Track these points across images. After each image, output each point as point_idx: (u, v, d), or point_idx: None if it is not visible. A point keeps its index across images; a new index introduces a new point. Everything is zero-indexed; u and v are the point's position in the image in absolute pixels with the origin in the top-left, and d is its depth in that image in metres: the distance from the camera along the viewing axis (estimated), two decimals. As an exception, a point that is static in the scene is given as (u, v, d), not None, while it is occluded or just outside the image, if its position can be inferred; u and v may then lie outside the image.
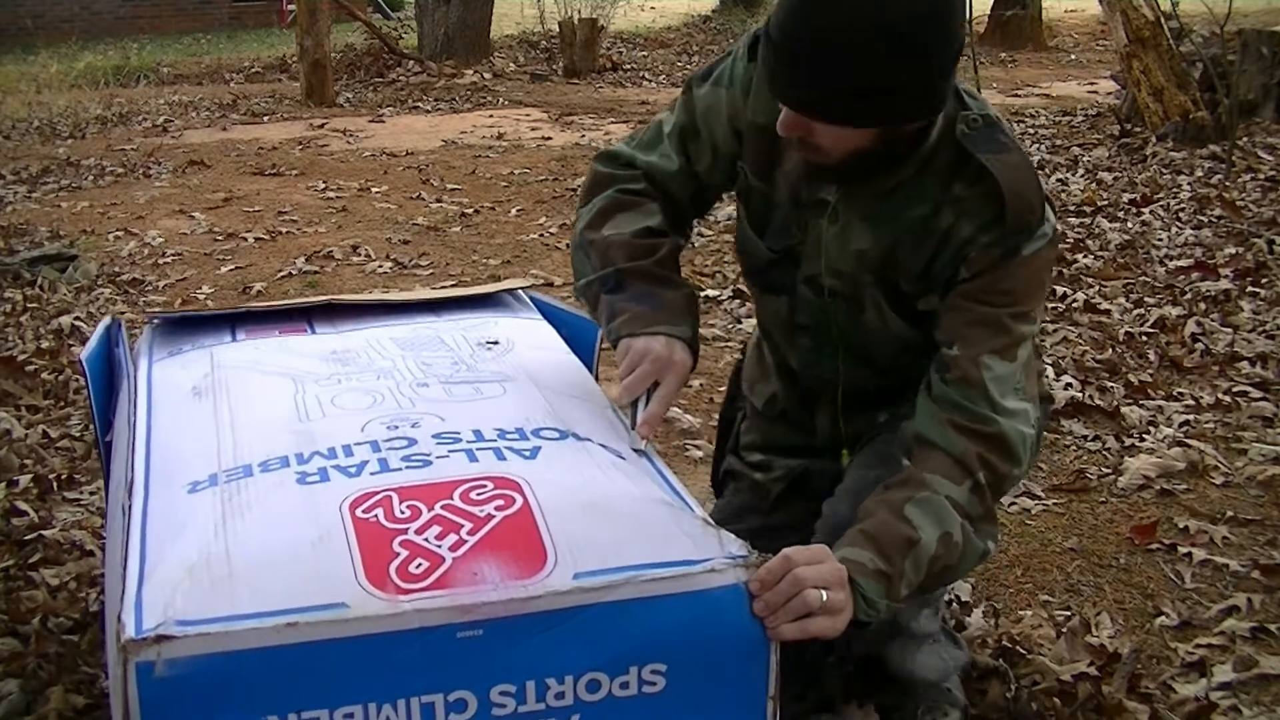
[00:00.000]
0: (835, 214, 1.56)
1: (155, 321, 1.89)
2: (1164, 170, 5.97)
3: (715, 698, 1.22)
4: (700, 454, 2.83)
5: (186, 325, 1.86)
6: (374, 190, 6.11)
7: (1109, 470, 2.72)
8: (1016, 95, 9.43)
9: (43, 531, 2.37)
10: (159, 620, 1.07)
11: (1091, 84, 9.91)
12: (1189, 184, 5.60)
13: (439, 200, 5.86)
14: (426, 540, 1.18)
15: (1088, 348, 3.49)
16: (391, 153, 7.16)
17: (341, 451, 1.35)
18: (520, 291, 2.04)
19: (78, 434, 2.91)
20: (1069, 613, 2.12)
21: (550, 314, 1.94)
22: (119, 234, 5.20)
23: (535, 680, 1.15)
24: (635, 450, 1.45)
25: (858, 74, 1.32)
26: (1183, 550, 2.34)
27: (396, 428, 1.41)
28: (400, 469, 1.30)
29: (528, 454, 1.34)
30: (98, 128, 8.21)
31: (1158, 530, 2.42)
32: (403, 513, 1.22)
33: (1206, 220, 4.93)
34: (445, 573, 1.14)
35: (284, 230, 5.28)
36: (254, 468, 1.33)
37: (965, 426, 1.45)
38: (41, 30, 13.81)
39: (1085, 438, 2.90)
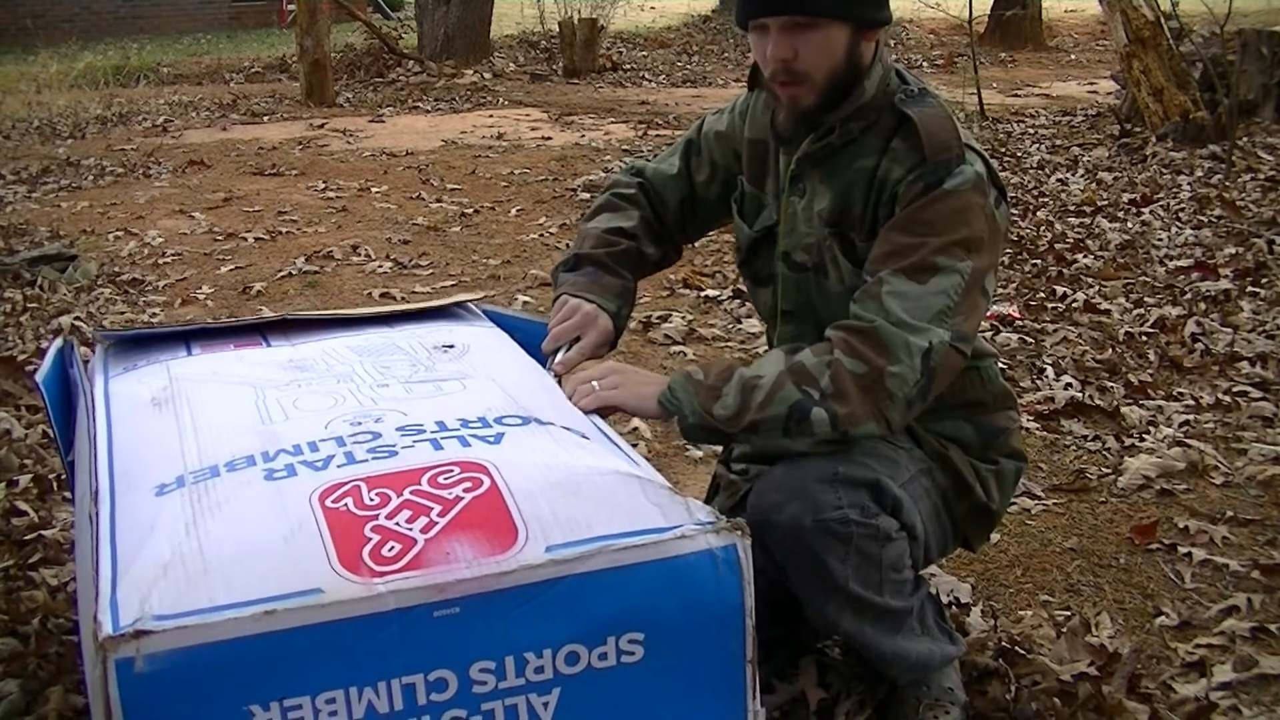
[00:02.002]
0: (800, 185, 1.73)
1: (108, 341, 1.89)
2: (1164, 170, 5.97)
3: (693, 664, 1.23)
4: (700, 454, 2.83)
5: (139, 343, 1.86)
6: (374, 190, 6.11)
7: (1109, 470, 2.72)
8: (1016, 95, 9.44)
9: (43, 531, 2.37)
10: (135, 616, 1.07)
11: (1091, 84, 9.91)
12: (1189, 184, 5.60)
13: (439, 200, 5.87)
14: (398, 524, 1.19)
15: (1088, 348, 3.49)
16: (391, 153, 7.16)
17: (307, 448, 1.35)
18: (471, 304, 2.08)
19: (78, 434, 2.92)
20: (1069, 613, 2.12)
21: (504, 323, 1.97)
22: (119, 234, 5.20)
23: (514, 655, 1.16)
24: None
25: None
26: (1183, 550, 2.34)
27: (360, 424, 1.42)
28: (367, 460, 1.31)
29: (492, 440, 1.35)
30: (98, 128, 8.22)
31: (1158, 530, 2.42)
32: (372, 500, 1.22)
33: (1206, 220, 4.93)
34: (418, 554, 1.15)
35: (284, 230, 5.28)
36: (220, 468, 1.33)
37: (842, 324, 1.56)
38: (41, 30, 13.81)
39: (1085, 438, 2.90)
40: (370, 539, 1.17)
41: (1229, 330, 3.57)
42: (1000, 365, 3.26)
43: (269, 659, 1.09)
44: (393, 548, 1.15)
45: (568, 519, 1.20)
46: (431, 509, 1.21)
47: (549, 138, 7.68)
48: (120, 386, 1.66)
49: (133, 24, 15.39)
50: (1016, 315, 3.78)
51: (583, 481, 1.26)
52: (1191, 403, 3.07)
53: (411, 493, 1.23)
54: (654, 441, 2.92)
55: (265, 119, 8.65)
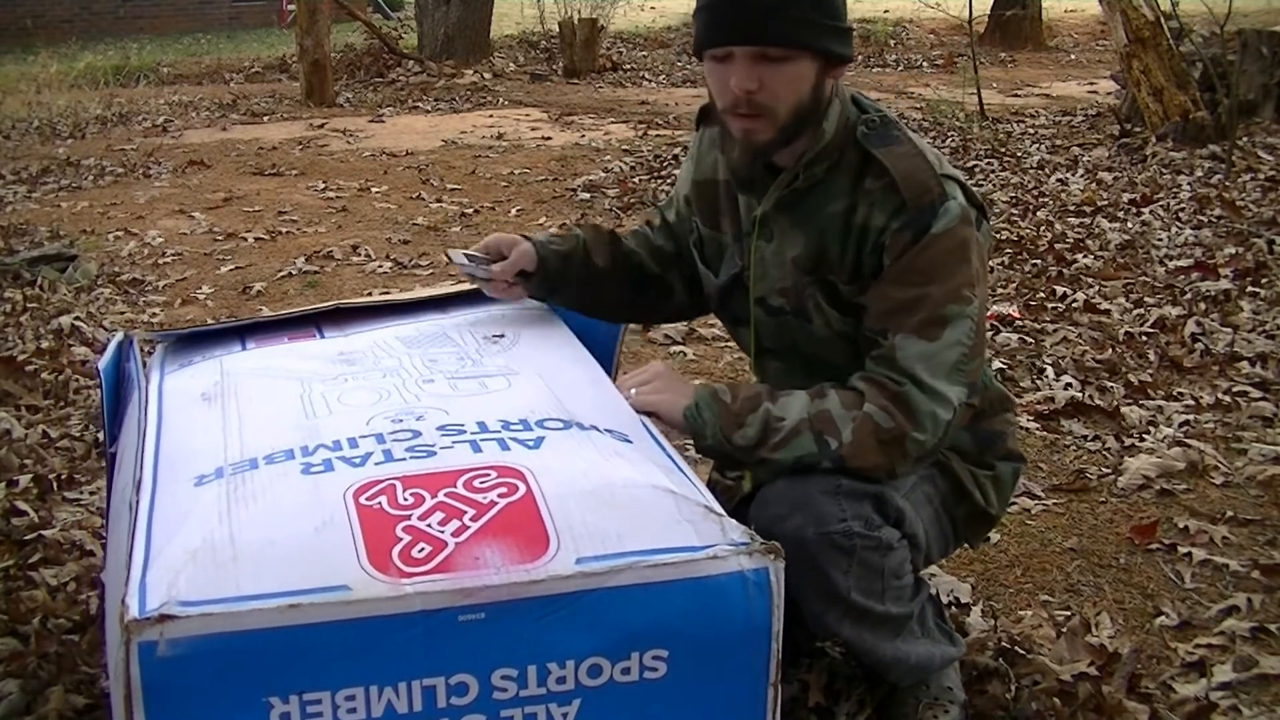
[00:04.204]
0: (768, 230, 1.70)
1: (168, 340, 1.90)
2: (1164, 170, 5.97)
3: (716, 684, 1.22)
4: (700, 455, 2.83)
5: (196, 340, 1.87)
6: (374, 190, 6.11)
7: (1109, 470, 2.72)
8: (1016, 95, 9.44)
9: (43, 531, 2.37)
10: (162, 601, 1.08)
11: (1091, 84, 9.91)
12: (1189, 184, 5.60)
13: (439, 200, 5.87)
14: (429, 526, 1.19)
15: (1088, 348, 3.49)
16: (391, 153, 7.16)
17: (346, 444, 1.36)
18: None
19: (78, 434, 2.91)
20: (1069, 613, 2.12)
21: (560, 309, 1.95)
22: (119, 234, 5.20)
23: (537, 664, 1.16)
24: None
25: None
26: (1183, 550, 2.34)
27: (401, 421, 1.42)
28: (404, 459, 1.31)
29: (531, 444, 1.35)
30: (98, 128, 8.21)
31: (1158, 530, 2.42)
32: (406, 500, 1.22)
33: (1206, 220, 4.93)
34: (448, 557, 1.15)
35: (284, 230, 5.28)
36: (259, 460, 1.33)
37: (872, 379, 1.56)
38: (41, 30, 13.81)
39: (1085, 438, 2.90)
40: (401, 539, 1.17)
41: (1229, 330, 3.57)
42: (1000, 365, 3.29)
43: (291, 652, 1.09)
44: (423, 549, 1.16)
45: (600, 531, 1.20)
46: (465, 512, 1.21)
47: (549, 138, 7.68)
48: (174, 382, 1.67)
49: (133, 24, 15.38)
50: (1016, 315, 3.78)
51: (618, 493, 1.25)
52: (1191, 403, 3.07)
53: (446, 495, 1.23)
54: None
55: (265, 119, 8.65)
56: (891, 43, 13.13)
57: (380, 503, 1.22)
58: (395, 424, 1.41)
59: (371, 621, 1.11)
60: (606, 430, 1.42)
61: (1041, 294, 4.02)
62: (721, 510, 1.27)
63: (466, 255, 1.86)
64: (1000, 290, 4.07)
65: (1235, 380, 3.21)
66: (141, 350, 1.85)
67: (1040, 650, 1.96)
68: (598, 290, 1.88)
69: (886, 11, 14.20)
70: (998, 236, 4.74)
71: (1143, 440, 2.85)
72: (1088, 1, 12.51)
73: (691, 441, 1.59)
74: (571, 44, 11.40)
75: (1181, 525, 2.44)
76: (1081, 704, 1.80)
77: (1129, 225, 4.91)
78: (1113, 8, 6.78)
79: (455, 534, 1.17)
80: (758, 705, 1.24)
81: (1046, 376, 3.27)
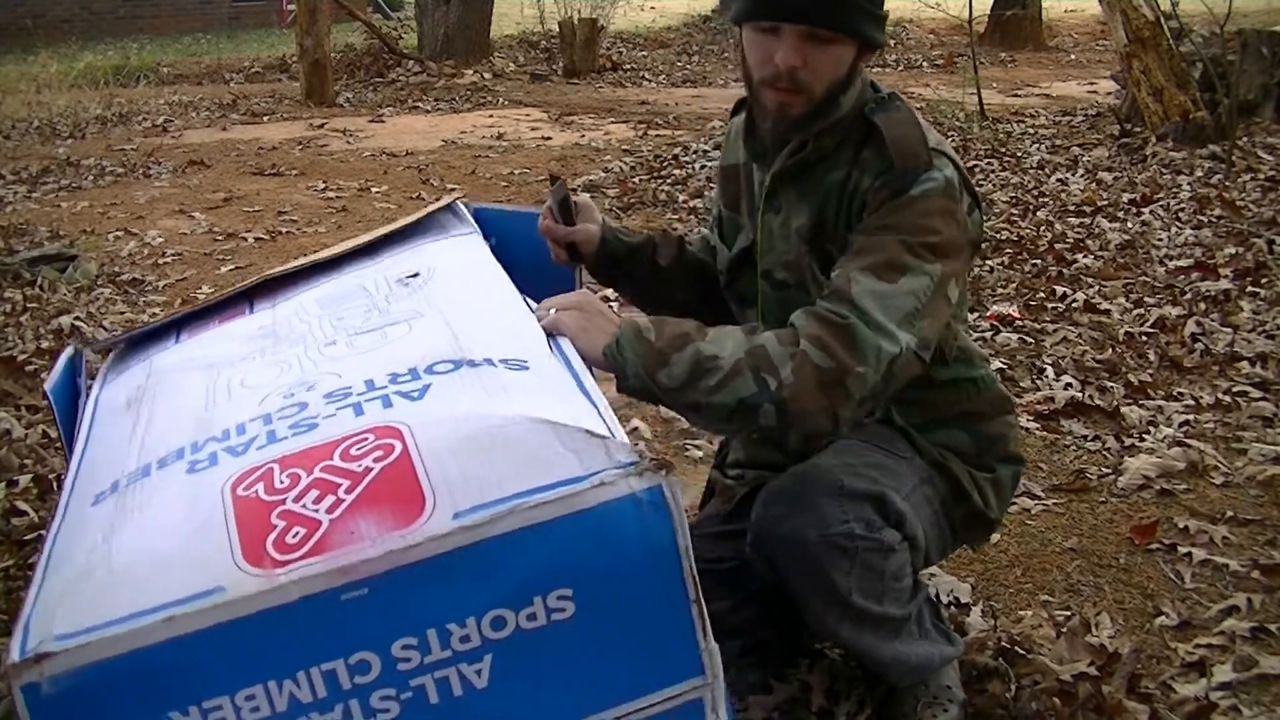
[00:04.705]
0: (776, 203, 1.72)
1: (119, 346, 1.84)
2: (1164, 170, 5.97)
3: (632, 613, 1.16)
4: (700, 454, 2.83)
5: (139, 342, 1.81)
6: (374, 190, 6.11)
7: (1109, 470, 2.72)
8: (1016, 95, 9.44)
9: (43, 532, 2.37)
10: (40, 639, 1.04)
11: (1091, 84, 9.91)
12: (1189, 184, 5.60)
13: (439, 200, 5.86)
14: (304, 507, 1.13)
15: (1088, 348, 3.49)
16: (391, 153, 7.16)
17: (234, 431, 1.30)
18: (459, 204, 1.97)
19: (78, 434, 2.92)
20: (1069, 613, 2.12)
21: (495, 220, 1.87)
22: (119, 234, 5.20)
23: (436, 628, 1.10)
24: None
25: None
26: (1183, 550, 2.34)
27: (292, 395, 1.35)
28: (286, 438, 1.25)
29: (416, 395, 1.27)
30: (98, 128, 8.21)
31: (1158, 530, 2.42)
32: (283, 483, 1.17)
33: (1206, 220, 4.93)
34: (322, 537, 1.10)
35: (284, 230, 5.28)
36: (152, 466, 1.29)
37: (815, 313, 1.50)
38: (41, 30, 13.81)
39: (1085, 438, 2.90)
40: (275, 526, 1.12)
41: (1229, 330, 3.57)
42: (1000, 365, 3.29)
43: (178, 665, 1.06)
44: (297, 533, 1.11)
45: (479, 479, 1.12)
46: (339, 485, 1.15)
47: (549, 138, 7.68)
48: (108, 393, 1.62)
49: (133, 24, 15.39)
50: (1016, 315, 3.78)
51: (497, 434, 1.16)
52: (1191, 403, 3.07)
53: (322, 469, 1.17)
54: (654, 441, 2.92)
55: (265, 119, 8.65)
56: (891, 43, 13.13)
57: (257, 491, 1.17)
58: (285, 399, 1.34)
59: (252, 619, 1.07)
60: (502, 361, 1.33)
61: (1041, 294, 4.02)
62: (610, 429, 1.17)
63: (561, 196, 1.82)
64: (1000, 290, 4.07)
65: (1235, 380, 3.21)
66: (89, 363, 1.80)
67: (1040, 650, 1.96)
68: (662, 289, 1.90)
69: (886, 11, 14.19)
70: (997, 236, 4.74)
71: (1143, 440, 2.85)
72: (1088, 1, 12.51)
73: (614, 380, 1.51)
74: (571, 44, 11.40)
75: (1181, 525, 2.44)
76: (1081, 704, 1.80)
77: (1129, 225, 4.91)
78: (1113, 8, 6.78)
79: (329, 510, 1.12)
80: (682, 626, 1.18)
81: (1046, 376, 3.27)
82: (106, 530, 1.18)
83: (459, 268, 1.70)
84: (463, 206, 1.97)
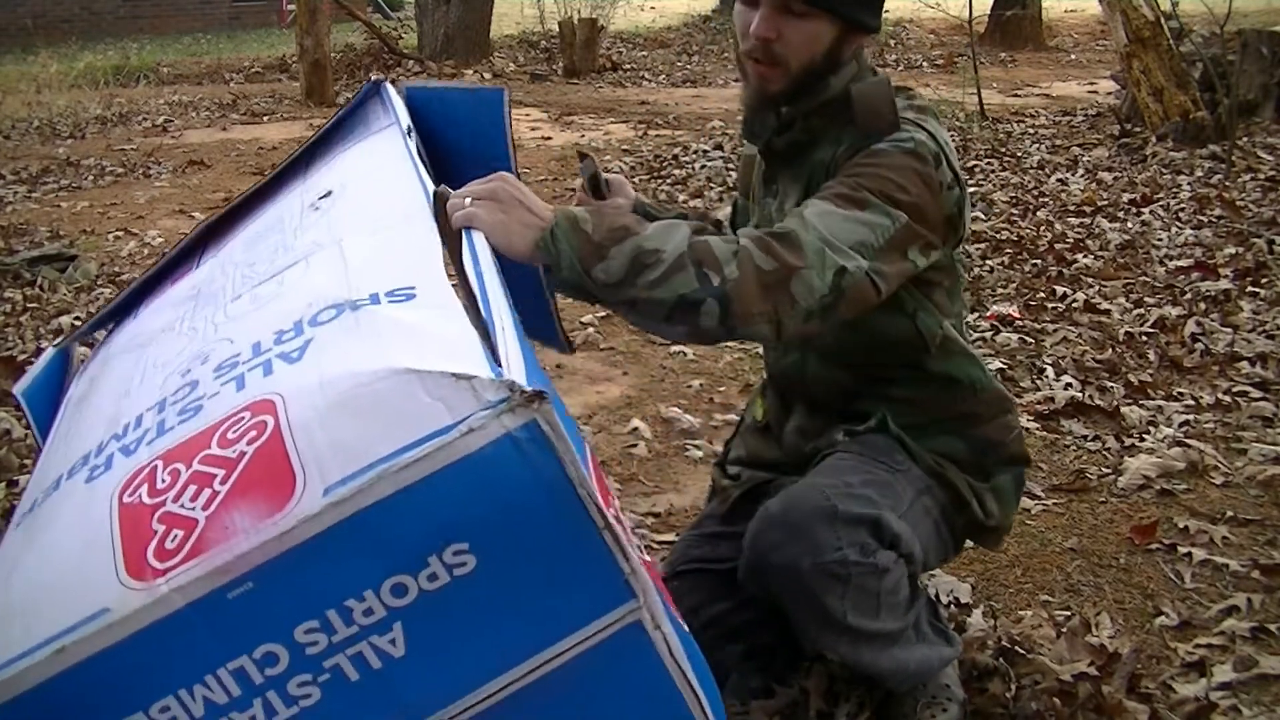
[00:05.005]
0: (774, 187, 1.74)
1: (104, 331, 1.75)
2: (1164, 170, 5.97)
3: (539, 554, 1.08)
4: (700, 454, 2.83)
5: (113, 322, 1.71)
6: (374, 190, 6.10)
7: (1109, 470, 2.72)
8: (1016, 95, 9.44)
9: (43, 531, 2.37)
10: None
11: (1091, 84, 9.91)
12: (1189, 184, 5.60)
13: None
14: (182, 506, 1.07)
15: (1088, 348, 3.49)
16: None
17: (132, 425, 1.23)
18: (387, 88, 1.86)
19: (78, 434, 2.92)
20: (1069, 613, 2.12)
21: (432, 102, 1.76)
22: (119, 234, 5.21)
23: (334, 608, 1.05)
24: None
25: None
26: (1183, 550, 2.34)
27: (188, 371, 1.28)
28: (173, 428, 1.18)
29: (295, 355, 1.19)
30: (98, 128, 8.22)
31: (1158, 530, 2.42)
32: (164, 482, 1.10)
33: (1206, 220, 4.93)
34: (199, 537, 1.04)
35: (284, 230, 5.27)
36: (62, 478, 1.23)
37: (757, 228, 1.49)
38: (41, 30, 13.81)
39: (1085, 438, 2.90)
40: (155, 532, 1.06)
41: (1229, 330, 3.57)
42: (1000, 365, 3.29)
43: (80, 693, 1.02)
44: (175, 537, 1.05)
45: (346, 448, 1.04)
46: (215, 477, 1.08)
47: (549, 137, 7.68)
48: (73, 389, 1.54)
49: (133, 24, 15.39)
50: (1016, 315, 3.78)
51: (363, 395, 1.07)
52: (1191, 403, 3.07)
53: (201, 461, 1.10)
54: (654, 441, 2.91)
55: (265, 119, 8.65)
56: (891, 43, 13.14)
57: (140, 495, 1.10)
58: (181, 379, 1.27)
59: (143, 634, 1.02)
60: (388, 294, 1.23)
61: (1041, 294, 4.02)
62: (482, 363, 1.07)
63: (591, 172, 1.84)
64: (1000, 290, 4.07)
65: (1235, 380, 3.21)
66: (83, 358, 1.70)
67: (1040, 650, 1.96)
68: None
69: (887, 11, 14.19)
70: (997, 236, 4.74)
71: (1143, 440, 2.85)
72: (1088, 1, 12.51)
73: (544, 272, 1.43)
74: (571, 44, 11.40)
75: (1181, 525, 2.44)
76: (1081, 704, 1.80)
77: (1129, 225, 4.91)
78: (1113, 8, 6.78)
79: (205, 506, 1.06)
80: (596, 556, 1.09)
81: (1046, 376, 3.27)
82: (12, 562, 1.13)
83: (370, 175, 1.61)
84: (391, 90, 1.82)
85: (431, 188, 1.43)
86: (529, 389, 1.02)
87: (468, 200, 1.38)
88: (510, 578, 1.07)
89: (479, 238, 1.34)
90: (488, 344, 1.10)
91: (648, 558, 1.18)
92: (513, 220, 1.37)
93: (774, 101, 1.65)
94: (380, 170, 1.59)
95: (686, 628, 1.20)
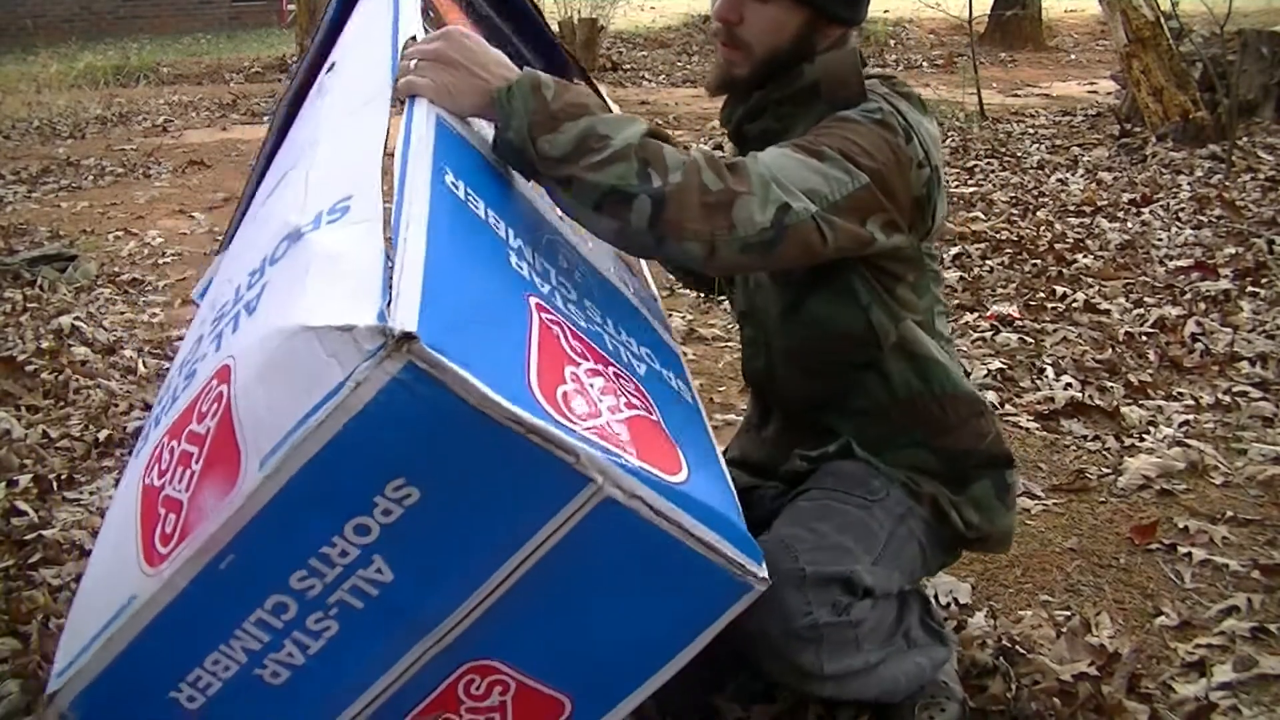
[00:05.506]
0: None
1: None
2: (1164, 170, 5.97)
3: (477, 470, 1.11)
4: (700, 454, 2.83)
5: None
6: (374, 190, 6.10)
7: (1109, 470, 2.72)
8: (1016, 95, 9.44)
9: (43, 531, 2.37)
10: (56, 672, 1.17)
11: (1091, 84, 9.91)
12: (1189, 184, 5.60)
13: None
14: (175, 489, 1.15)
15: (1088, 348, 3.49)
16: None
17: (165, 401, 1.30)
18: None
19: (78, 434, 2.91)
20: (1069, 613, 2.12)
21: None
22: (119, 234, 5.21)
23: (313, 555, 1.12)
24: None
25: None
26: (1183, 550, 2.34)
27: (199, 341, 1.32)
28: (178, 398, 1.24)
29: (249, 309, 1.22)
30: (98, 128, 8.22)
31: (1158, 530, 2.42)
32: (165, 464, 1.18)
33: (1206, 220, 4.93)
34: (185, 520, 1.12)
35: (284, 230, 5.27)
36: (138, 450, 1.34)
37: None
38: (41, 30, 13.81)
39: (1085, 438, 2.90)
40: (160, 515, 1.15)
41: (1229, 330, 3.57)
42: (1000, 365, 3.29)
43: (135, 674, 1.15)
44: (170, 521, 1.13)
45: (273, 414, 1.07)
46: (192, 455, 1.15)
47: (549, 138, 7.67)
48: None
49: (133, 24, 15.39)
50: (1016, 315, 3.78)
51: (282, 357, 1.08)
52: (1191, 403, 3.07)
53: (186, 439, 1.16)
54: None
55: (265, 119, 8.64)
56: (891, 43, 13.14)
57: (152, 477, 1.19)
58: (196, 344, 1.32)
59: (168, 611, 1.11)
60: (328, 215, 1.21)
61: (1041, 294, 4.02)
62: (374, 301, 1.06)
63: None
64: (1000, 290, 4.07)
65: (1235, 380, 3.21)
66: None
67: (1040, 650, 1.96)
68: None
69: (886, 11, 14.20)
70: (998, 236, 4.74)
71: (1143, 440, 2.85)
72: (1088, 1, 12.51)
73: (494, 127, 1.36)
74: (571, 44, 11.40)
75: (1181, 525, 2.44)
76: (1081, 704, 1.80)
77: (1129, 225, 4.91)
78: (1113, 8, 6.79)
79: (188, 488, 1.13)
80: (531, 458, 1.09)
81: (1046, 376, 3.27)
82: (95, 547, 1.28)
83: (358, 40, 1.62)
84: None
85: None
86: (398, 331, 1.02)
87: (413, 63, 1.34)
88: (458, 495, 1.12)
89: (421, 108, 1.32)
90: (390, 265, 1.10)
91: (620, 422, 1.19)
92: (457, 83, 1.34)
93: (739, 86, 1.62)
94: (367, 34, 1.59)
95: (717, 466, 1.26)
